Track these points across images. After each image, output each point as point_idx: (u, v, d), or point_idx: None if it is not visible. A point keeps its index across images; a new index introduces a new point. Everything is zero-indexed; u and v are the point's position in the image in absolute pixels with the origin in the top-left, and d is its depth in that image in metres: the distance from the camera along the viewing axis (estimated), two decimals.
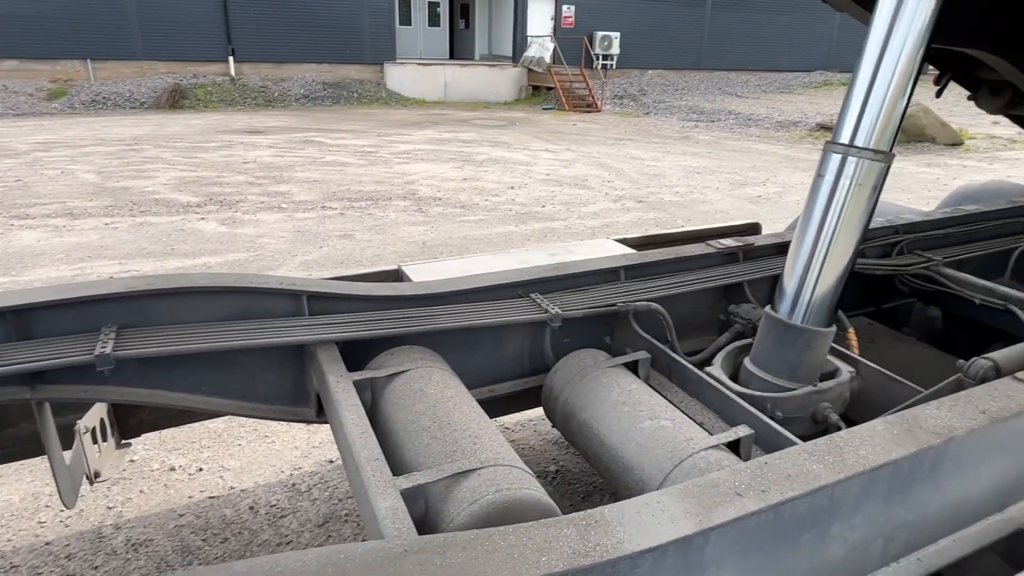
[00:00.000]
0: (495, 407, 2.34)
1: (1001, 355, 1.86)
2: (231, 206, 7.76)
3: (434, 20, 24.91)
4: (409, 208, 7.85)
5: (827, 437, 1.40)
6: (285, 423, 3.26)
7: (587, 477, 3.03)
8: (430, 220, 7.38)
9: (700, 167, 10.95)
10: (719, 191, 9.21)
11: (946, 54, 3.81)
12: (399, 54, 22.17)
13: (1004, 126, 13.83)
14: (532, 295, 2.25)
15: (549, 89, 21.20)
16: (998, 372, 1.78)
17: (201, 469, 3.05)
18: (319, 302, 2.01)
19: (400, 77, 21.20)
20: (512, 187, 9.05)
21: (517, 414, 3.17)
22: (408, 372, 1.85)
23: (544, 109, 19.95)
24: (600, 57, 22.91)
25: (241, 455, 3.16)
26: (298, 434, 3.32)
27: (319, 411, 2.02)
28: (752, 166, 11.15)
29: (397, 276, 2.65)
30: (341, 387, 1.72)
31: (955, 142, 12.73)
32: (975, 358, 1.85)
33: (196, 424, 3.10)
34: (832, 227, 1.95)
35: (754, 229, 3.44)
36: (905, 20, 1.85)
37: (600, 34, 23.08)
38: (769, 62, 26.40)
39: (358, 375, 1.82)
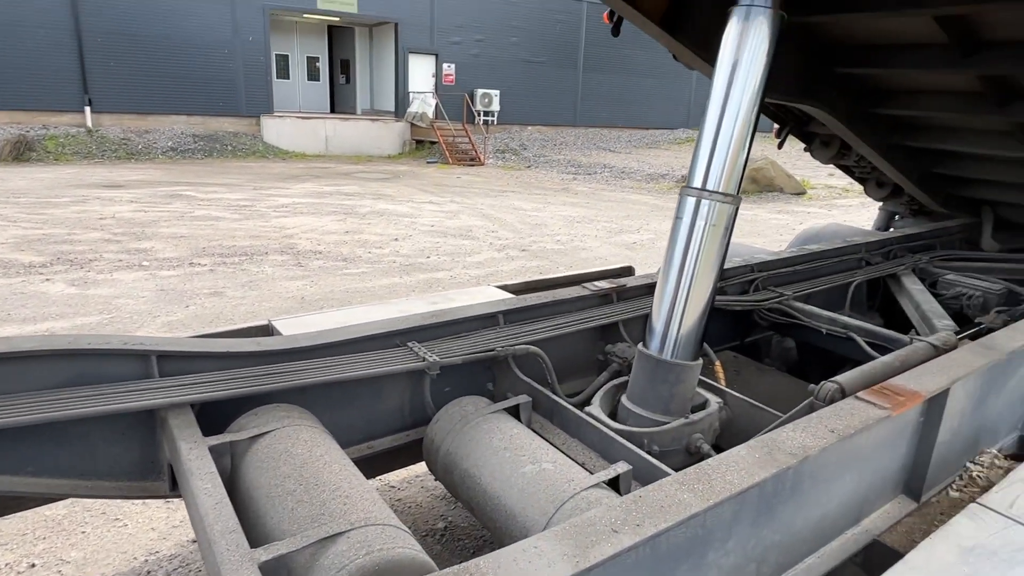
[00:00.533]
0: (376, 464, 2.22)
1: (845, 377, 2.02)
2: (83, 265, 7.07)
3: (313, 75, 24.72)
4: (287, 262, 7.54)
5: (696, 466, 1.44)
6: (139, 501, 2.92)
7: (477, 531, 2.94)
8: (310, 274, 7.11)
9: (580, 216, 11.44)
10: (598, 239, 9.63)
11: (782, 109, 4.26)
12: (277, 107, 21.69)
13: (838, 177, 15.64)
14: (409, 344, 2.18)
15: (433, 143, 21.50)
16: (843, 393, 1.93)
17: (34, 565, 2.64)
18: (171, 362, 1.83)
19: (278, 130, 20.69)
20: (396, 239, 8.97)
21: (403, 470, 3.04)
22: (273, 432, 1.71)
23: (428, 163, 20.16)
24: (481, 113, 23.66)
25: (85, 544, 2.77)
26: (155, 513, 2.98)
27: (173, 484, 1.82)
28: (627, 215, 11.81)
29: (267, 332, 2.49)
30: (195, 454, 1.56)
31: (799, 191, 14.22)
32: (824, 382, 2.00)
33: (28, 512, 2.69)
34: (692, 265, 2.06)
35: (628, 272, 3.60)
36: (741, 77, 2.04)
37: (480, 91, 23.90)
38: (638, 120, 28.42)
39: (215, 439, 1.66)
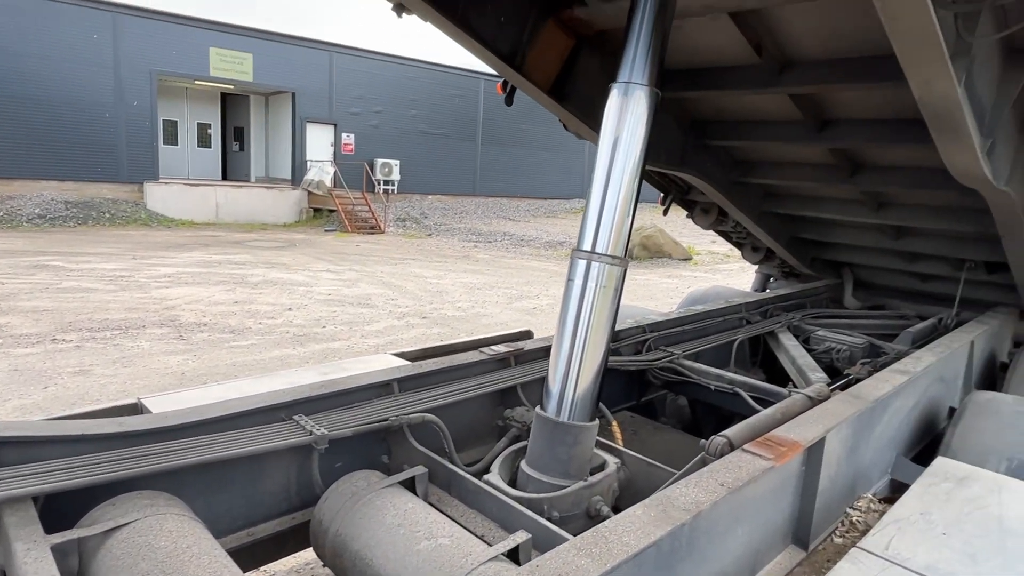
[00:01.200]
0: (258, 553, 2.02)
1: (732, 431, 2.09)
2: None
3: (204, 141, 23.98)
4: (167, 336, 7.01)
5: (593, 529, 1.41)
6: None
7: None
8: (192, 348, 6.63)
9: (480, 283, 11.53)
10: (498, 304, 9.72)
11: (665, 177, 4.56)
12: (163, 173, 20.73)
13: (720, 243, 16.87)
14: (295, 417, 2.04)
15: (331, 211, 21.21)
16: (731, 446, 1.99)
17: None
18: (11, 449, 1.60)
19: (163, 197, 19.68)
20: (290, 308, 8.61)
21: (290, 558, 2.79)
22: (132, 525, 1.52)
23: (326, 231, 19.81)
24: (381, 182, 23.74)
25: None
26: None
27: None
28: (527, 281, 12.04)
29: (136, 411, 2.26)
30: (33, 556, 1.35)
31: (686, 257, 15.16)
32: (713, 436, 2.05)
33: None
34: (585, 327, 2.10)
35: (526, 335, 3.61)
36: (623, 148, 2.16)
37: (380, 161, 24.06)
38: (535, 190, 29.53)
39: (59, 537, 1.45)
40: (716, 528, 1.62)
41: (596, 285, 2.10)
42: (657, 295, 10.96)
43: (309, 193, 22.03)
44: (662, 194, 4.86)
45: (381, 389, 2.32)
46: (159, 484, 1.74)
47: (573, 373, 2.09)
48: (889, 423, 2.56)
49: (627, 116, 2.15)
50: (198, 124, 23.75)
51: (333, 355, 6.65)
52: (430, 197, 26.13)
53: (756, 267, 5.83)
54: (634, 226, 2.32)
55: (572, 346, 2.10)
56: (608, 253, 2.11)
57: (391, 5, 2.63)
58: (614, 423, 2.58)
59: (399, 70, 24.78)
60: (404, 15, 2.69)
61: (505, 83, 3.24)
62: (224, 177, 24.30)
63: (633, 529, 1.40)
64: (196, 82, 21.77)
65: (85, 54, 18.61)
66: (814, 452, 2.00)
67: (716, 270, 14.65)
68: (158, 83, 20.17)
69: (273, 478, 2.00)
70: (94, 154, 19.07)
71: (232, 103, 24.60)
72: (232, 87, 22.78)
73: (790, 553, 2.01)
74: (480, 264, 14.17)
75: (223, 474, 1.88)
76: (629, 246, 2.28)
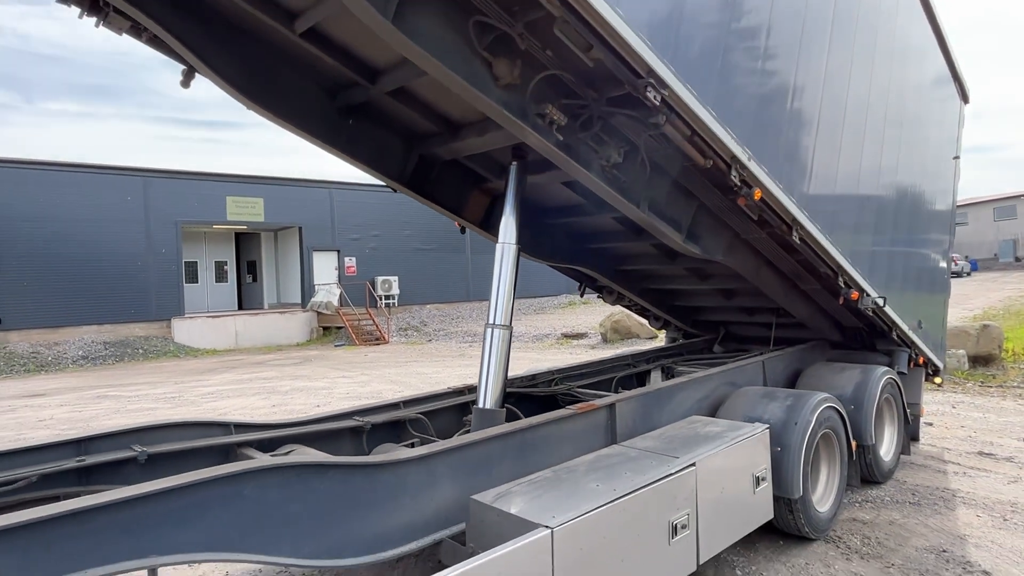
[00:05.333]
0: None
1: (573, 407, 4.10)
2: None
3: (221, 277, 26.67)
4: None
5: (507, 425, 3.42)
6: None
7: None
8: None
9: (473, 373, 13.43)
10: None
11: (572, 271, 6.68)
12: (187, 309, 23.15)
13: None
14: (363, 422, 4.06)
15: (339, 328, 23.44)
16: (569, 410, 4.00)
17: None
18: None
19: (189, 330, 21.97)
20: (318, 405, 10.57)
21: None
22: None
23: (336, 345, 21.93)
24: (383, 297, 26.20)
25: None
26: None
27: None
28: (513, 368, 14.01)
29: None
30: None
31: (652, 336, 17.19)
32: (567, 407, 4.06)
33: None
34: (492, 359, 4.15)
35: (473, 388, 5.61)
36: (504, 277, 4.28)
37: (381, 278, 26.66)
38: (525, 290, 31.92)
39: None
40: (551, 436, 3.58)
41: (497, 339, 4.18)
42: None
43: (318, 313, 24.38)
44: (578, 283, 7.02)
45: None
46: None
47: (489, 383, 4.13)
48: (680, 403, 4.52)
49: (504, 262, 4.29)
50: (215, 262, 26.53)
51: None
52: (428, 306, 28.50)
53: (663, 331, 7.91)
54: (605, 314, 4.41)
55: (489, 367, 4.14)
56: (500, 324, 4.21)
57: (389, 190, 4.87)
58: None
59: (392, 198, 27.63)
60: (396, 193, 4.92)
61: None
62: (240, 307, 26.79)
63: (506, 428, 3.39)
64: (214, 226, 24.72)
65: (121, 213, 21.56)
66: (610, 410, 3.97)
67: None
68: (182, 230, 23.04)
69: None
70: (128, 298, 21.55)
71: (245, 240, 27.56)
72: (245, 227, 25.73)
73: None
74: (474, 360, 16.18)
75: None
76: (602, 330, 4.36)
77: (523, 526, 2.59)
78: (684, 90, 3.26)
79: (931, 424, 7.19)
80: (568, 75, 3.47)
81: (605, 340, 17.32)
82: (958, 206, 7.55)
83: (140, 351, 20.40)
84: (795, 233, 4.35)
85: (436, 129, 4.54)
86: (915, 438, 6.42)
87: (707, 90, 3.45)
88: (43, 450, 3.03)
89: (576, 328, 21.28)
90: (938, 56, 6.19)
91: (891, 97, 5.39)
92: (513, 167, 4.31)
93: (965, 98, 6.91)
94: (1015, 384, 9.06)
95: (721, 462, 3.54)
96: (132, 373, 16.81)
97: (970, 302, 22.66)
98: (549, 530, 2.54)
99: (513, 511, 2.73)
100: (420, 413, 4.31)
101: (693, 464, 3.33)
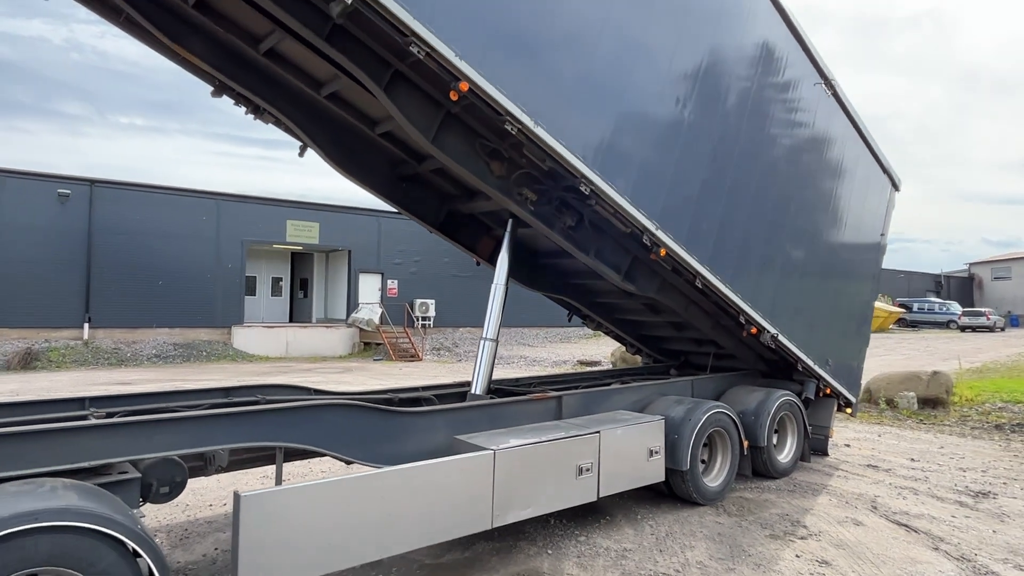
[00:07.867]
0: None
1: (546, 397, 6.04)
2: None
3: (276, 291, 29.41)
4: None
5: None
6: None
7: None
8: None
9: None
10: None
11: (561, 301, 8.63)
12: (246, 319, 25.80)
13: None
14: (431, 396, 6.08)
15: (378, 344, 25.72)
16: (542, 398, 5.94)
17: None
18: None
19: (246, 337, 24.54)
20: None
21: None
22: None
23: (375, 360, 24.16)
24: (420, 318, 28.46)
25: None
26: None
27: None
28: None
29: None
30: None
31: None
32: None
33: None
34: (482, 363, 6.12)
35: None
36: (498, 283, 6.28)
37: (419, 301, 28.96)
38: (551, 319, 33.59)
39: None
40: (514, 412, 5.49)
41: (487, 348, 6.14)
42: None
43: (360, 329, 26.74)
44: (567, 311, 8.95)
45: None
46: None
47: (480, 377, 6.08)
48: (616, 402, 6.36)
49: (495, 297, 6.28)
50: (272, 278, 29.31)
51: None
52: (461, 329, 30.63)
53: (638, 356, 9.74)
54: (617, 344, 6.33)
55: (479, 366, 6.10)
56: (490, 337, 6.18)
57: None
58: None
59: None
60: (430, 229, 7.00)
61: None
62: (291, 319, 29.43)
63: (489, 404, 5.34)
64: (274, 245, 27.49)
65: (196, 231, 24.45)
66: (559, 400, 5.86)
67: None
68: (247, 248, 25.83)
69: None
70: (197, 306, 24.30)
71: (299, 259, 30.33)
72: (301, 247, 28.45)
73: None
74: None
75: None
76: (613, 359, 6.30)
77: (478, 449, 4.54)
78: (606, 186, 5.18)
79: (848, 445, 8.80)
80: (536, 172, 5.48)
81: (614, 367, 19.04)
82: (999, 260, 9.20)
83: (204, 353, 23.01)
84: (699, 281, 6.19)
85: (459, 193, 6.63)
86: (824, 453, 8.09)
87: (625, 185, 5.38)
88: (209, 392, 5.16)
89: (593, 356, 23.06)
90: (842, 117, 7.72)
91: (798, 173, 7.19)
92: (510, 222, 6.32)
93: (896, 186, 8.65)
94: (949, 423, 10.51)
95: (621, 434, 5.41)
96: (199, 371, 19.29)
97: (978, 355, 23.60)
98: (492, 451, 4.47)
99: (474, 442, 4.68)
100: (432, 395, 6.29)
101: (598, 431, 5.22)
